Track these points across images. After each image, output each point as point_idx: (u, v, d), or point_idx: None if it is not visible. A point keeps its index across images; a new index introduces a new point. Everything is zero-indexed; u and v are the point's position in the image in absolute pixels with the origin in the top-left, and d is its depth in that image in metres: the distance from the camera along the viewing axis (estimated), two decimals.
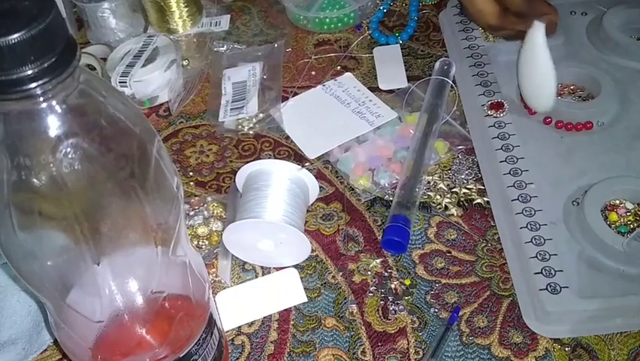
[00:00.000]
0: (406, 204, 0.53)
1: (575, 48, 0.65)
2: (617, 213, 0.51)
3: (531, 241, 0.49)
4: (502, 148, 0.56)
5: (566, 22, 0.68)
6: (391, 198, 0.57)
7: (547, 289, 0.46)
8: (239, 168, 0.54)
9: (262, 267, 0.53)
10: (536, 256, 0.48)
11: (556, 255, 0.48)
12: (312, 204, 0.57)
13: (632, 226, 0.50)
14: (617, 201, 0.51)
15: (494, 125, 0.58)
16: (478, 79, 0.63)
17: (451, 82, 0.63)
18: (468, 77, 0.63)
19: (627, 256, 0.47)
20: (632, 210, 0.51)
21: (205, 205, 0.57)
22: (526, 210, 0.51)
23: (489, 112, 0.59)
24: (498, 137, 0.57)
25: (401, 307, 0.49)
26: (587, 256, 0.49)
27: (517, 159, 0.55)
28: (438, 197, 0.56)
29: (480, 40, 0.67)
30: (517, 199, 0.52)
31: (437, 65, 0.65)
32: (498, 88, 0.61)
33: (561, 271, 0.47)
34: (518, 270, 0.50)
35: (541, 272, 0.47)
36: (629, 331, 0.47)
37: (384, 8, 0.76)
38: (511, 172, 0.54)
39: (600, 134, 0.57)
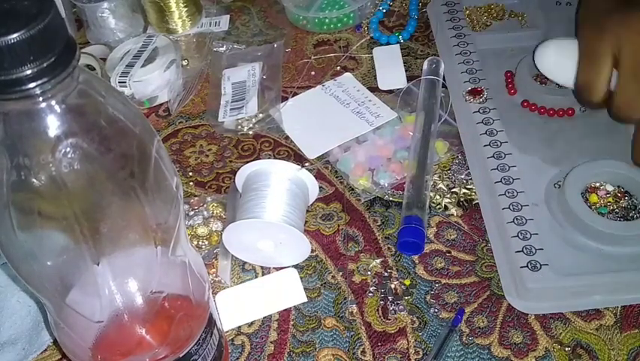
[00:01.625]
0: (417, 204, 0.53)
1: (560, 37, 0.66)
2: (598, 195, 0.52)
3: (513, 221, 0.50)
4: (486, 133, 0.57)
5: (552, 12, 0.70)
6: (391, 198, 0.57)
7: (527, 266, 0.47)
8: (238, 168, 0.54)
9: (262, 267, 0.53)
10: (518, 236, 0.49)
11: (537, 234, 0.49)
12: (311, 205, 0.57)
13: (611, 207, 0.52)
14: (598, 184, 0.53)
15: (479, 111, 0.59)
16: (464, 67, 0.64)
17: (441, 80, 0.64)
18: (455, 65, 0.65)
19: (606, 235, 0.49)
20: (612, 192, 0.52)
21: (205, 205, 0.57)
22: (508, 192, 0.52)
23: (467, 97, 0.60)
24: (482, 122, 0.58)
25: (401, 307, 0.49)
26: (567, 235, 0.50)
27: (501, 143, 0.56)
28: (438, 197, 0.56)
29: (467, 30, 0.68)
30: (500, 181, 0.53)
31: (425, 64, 0.66)
32: (484, 75, 0.63)
33: (541, 249, 0.48)
34: (500, 250, 0.51)
35: (522, 250, 0.48)
36: (608, 307, 0.48)
37: (383, 8, 0.76)
38: (495, 155, 0.55)
39: (582, 119, 0.59)
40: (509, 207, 0.51)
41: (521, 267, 0.47)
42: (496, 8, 0.72)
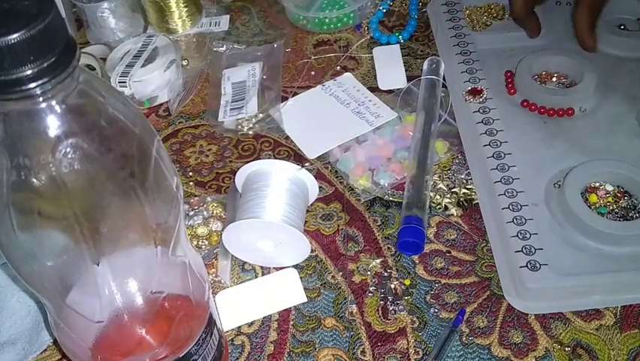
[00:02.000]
0: (417, 204, 0.53)
1: (560, 37, 0.67)
2: (597, 195, 0.52)
3: (512, 221, 0.50)
4: (486, 132, 0.57)
5: (552, 11, 0.70)
6: (391, 198, 0.57)
7: (527, 266, 0.47)
8: (238, 168, 0.54)
9: (262, 267, 0.53)
10: (517, 235, 0.49)
11: (536, 234, 0.49)
12: (311, 205, 0.57)
13: (611, 207, 0.52)
14: (597, 184, 0.53)
15: (479, 111, 0.59)
16: (464, 66, 0.64)
17: (441, 80, 0.64)
18: (455, 64, 0.65)
19: (605, 235, 0.49)
20: (612, 192, 0.52)
21: (205, 205, 0.57)
22: (508, 192, 0.52)
23: (467, 97, 0.61)
24: (482, 122, 0.58)
25: (401, 307, 0.49)
26: (566, 235, 0.50)
27: (501, 142, 0.56)
28: (438, 197, 0.56)
29: (467, 30, 0.69)
30: (500, 181, 0.53)
31: (425, 64, 0.66)
32: (483, 75, 0.63)
33: (541, 249, 0.48)
34: (500, 250, 0.51)
35: (522, 250, 0.48)
36: (608, 307, 0.48)
37: (383, 8, 0.76)
38: (495, 155, 0.55)
39: (582, 119, 0.59)
40: (509, 207, 0.51)
41: (521, 267, 0.47)
42: (496, 8, 0.73)
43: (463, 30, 0.68)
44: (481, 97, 0.60)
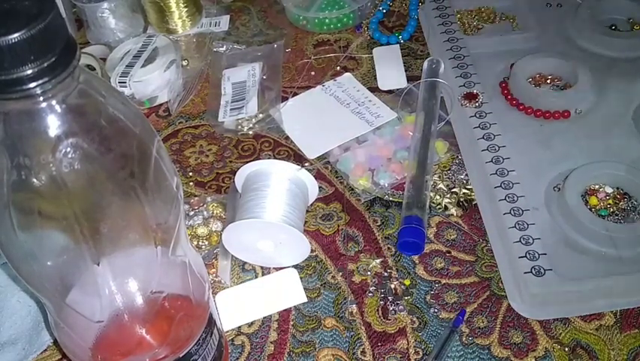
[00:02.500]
0: (417, 204, 0.53)
1: (552, 39, 0.67)
2: (597, 197, 0.52)
3: (514, 227, 0.50)
4: (483, 137, 0.57)
5: (543, 13, 0.70)
6: (391, 199, 0.57)
7: (531, 272, 0.47)
8: (238, 169, 0.54)
9: (262, 267, 0.53)
10: (520, 241, 0.49)
11: (539, 239, 0.49)
12: (311, 205, 0.57)
13: (611, 209, 0.51)
14: (597, 186, 0.53)
15: (475, 116, 0.59)
16: (458, 71, 0.64)
17: (444, 82, 0.64)
18: (448, 69, 0.65)
19: (607, 238, 0.48)
20: (612, 194, 0.52)
21: (205, 205, 0.57)
22: (508, 197, 0.52)
23: (462, 102, 0.60)
24: (479, 127, 0.58)
25: (401, 307, 0.49)
26: (569, 239, 0.50)
27: (499, 147, 0.56)
28: (438, 197, 0.56)
29: (459, 34, 0.68)
30: (500, 186, 0.53)
31: (425, 64, 0.66)
32: (478, 79, 0.62)
33: (545, 254, 0.48)
34: (503, 255, 0.51)
35: (526, 256, 0.48)
36: (612, 310, 0.48)
37: (383, 9, 0.76)
38: (493, 160, 0.55)
39: (578, 121, 0.59)
40: (510, 212, 0.51)
41: (525, 273, 0.47)
42: (486, 11, 0.72)
43: (455, 34, 0.68)
44: (476, 101, 0.60)
